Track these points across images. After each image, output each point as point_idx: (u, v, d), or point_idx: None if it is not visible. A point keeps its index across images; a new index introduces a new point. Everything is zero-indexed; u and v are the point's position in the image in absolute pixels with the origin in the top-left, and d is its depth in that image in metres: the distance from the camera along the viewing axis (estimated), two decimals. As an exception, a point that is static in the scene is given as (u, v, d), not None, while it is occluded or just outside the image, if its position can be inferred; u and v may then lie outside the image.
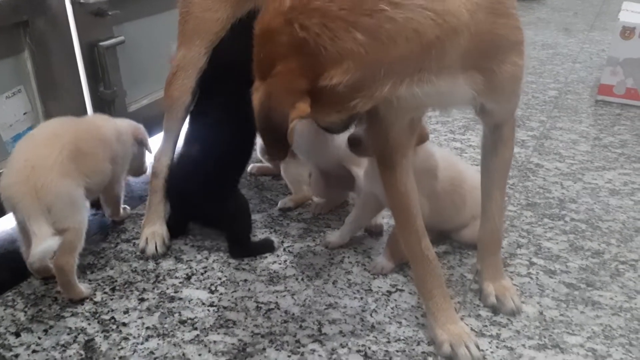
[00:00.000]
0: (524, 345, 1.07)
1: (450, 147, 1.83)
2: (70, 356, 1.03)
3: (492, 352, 1.05)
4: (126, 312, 1.15)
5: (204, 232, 1.40)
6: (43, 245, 1.05)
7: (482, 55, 0.83)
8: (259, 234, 1.40)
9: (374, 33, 0.71)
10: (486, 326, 1.12)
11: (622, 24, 2.06)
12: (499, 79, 0.87)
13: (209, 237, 1.39)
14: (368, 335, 1.09)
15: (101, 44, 1.46)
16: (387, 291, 1.21)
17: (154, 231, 1.33)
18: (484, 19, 0.78)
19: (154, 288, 1.21)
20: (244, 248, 1.33)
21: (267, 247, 1.35)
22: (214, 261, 1.30)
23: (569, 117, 2.05)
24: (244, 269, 1.28)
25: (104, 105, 1.52)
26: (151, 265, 1.29)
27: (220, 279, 1.25)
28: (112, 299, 1.18)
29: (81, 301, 1.17)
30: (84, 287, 1.18)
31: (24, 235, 1.16)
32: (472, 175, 1.32)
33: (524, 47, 0.89)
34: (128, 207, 1.48)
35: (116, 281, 1.24)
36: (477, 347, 1.04)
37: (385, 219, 1.41)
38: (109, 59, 1.51)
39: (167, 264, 1.29)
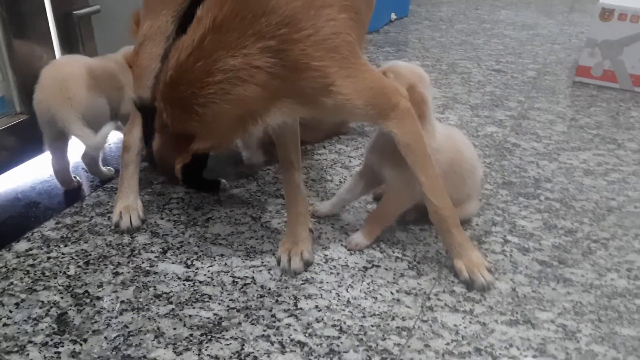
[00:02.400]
0: (496, 321, 1.08)
1: (429, 125, 1.83)
2: (42, 329, 1.02)
3: (465, 328, 1.07)
4: (100, 286, 1.13)
5: (181, 207, 1.39)
6: (101, 132, 1.27)
7: (294, 98, 1.01)
8: (236, 210, 1.39)
9: (201, 121, 0.97)
10: (460, 301, 1.13)
11: (601, 5, 2.07)
12: (321, 110, 1.04)
13: (185, 211, 1.38)
14: (343, 310, 1.10)
15: (75, 12, 1.43)
16: (364, 267, 1.22)
17: (127, 205, 1.31)
18: (281, 80, 0.96)
19: (128, 262, 1.20)
20: (193, 179, 1.41)
21: (213, 185, 1.44)
22: (190, 236, 1.29)
23: (546, 98, 2.07)
24: (220, 244, 1.27)
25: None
26: (126, 239, 1.28)
27: (196, 253, 1.24)
28: (85, 273, 1.17)
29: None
30: (106, 170, 1.48)
31: (56, 153, 1.39)
32: (471, 155, 1.32)
33: (336, 86, 1.00)
34: (112, 169, 1.50)
35: (90, 255, 1.22)
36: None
37: (369, 204, 1.42)
38: (83, 29, 1.47)
39: (142, 238, 1.28)
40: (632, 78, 2.12)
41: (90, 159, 1.46)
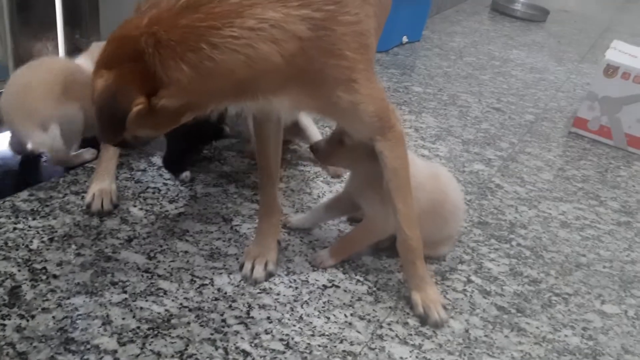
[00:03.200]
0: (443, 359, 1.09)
1: (418, 153, 1.84)
2: (-7, 299, 1.03)
3: (410, 361, 1.07)
4: (59, 264, 1.14)
5: (156, 198, 1.40)
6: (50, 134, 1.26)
7: (309, 86, 0.94)
8: (210, 209, 1.40)
9: (195, 68, 0.82)
10: (411, 335, 1.14)
11: (606, 62, 2.08)
12: (330, 106, 0.99)
13: (159, 202, 1.38)
14: (294, 325, 1.11)
15: (83, -9, 1.44)
16: (323, 285, 1.23)
17: (101, 188, 1.32)
18: (307, 59, 0.89)
19: (92, 245, 1.21)
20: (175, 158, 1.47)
21: (178, 169, 1.47)
22: (158, 228, 1.30)
23: (539, 144, 2.08)
24: (187, 240, 1.28)
25: (77, 53, 1.50)
26: (95, 221, 1.28)
27: (161, 246, 1.25)
28: (48, 249, 1.17)
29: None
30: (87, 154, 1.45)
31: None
32: (456, 197, 1.33)
33: (358, 83, 0.97)
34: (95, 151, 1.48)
35: (56, 232, 1.23)
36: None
37: (342, 224, 1.42)
38: (89, 5, 1.48)
39: (111, 223, 1.28)
40: (627, 137, 2.13)
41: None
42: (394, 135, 1.08)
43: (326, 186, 1.58)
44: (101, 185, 1.32)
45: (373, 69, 1.02)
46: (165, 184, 1.46)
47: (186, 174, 1.47)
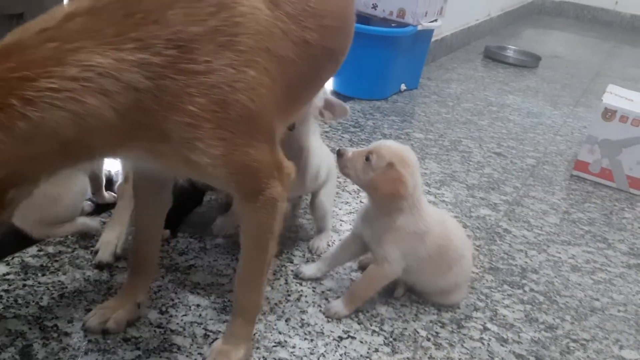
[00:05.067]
0: (465, 412, 1.06)
1: (424, 199, 1.84)
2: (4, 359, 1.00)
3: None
4: (70, 321, 1.12)
5: (166, 250, 1.38)
6: None
7: (152, 143, 0.81)
8: (220, 260, 1.38)
9: (6, 130, 0.66)
10: (431, 387, 1.11)
11: (604, 106, 2.12)
12: (180, 165, 0.85)
13: (169, 255, 1.37)
14: (312, 379, 1.08)
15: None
16: (339, 337, 1.20)
17: (107, 240, 1.31)
18: (146, 114, 0.76)
19: (103, 300, 1.18)
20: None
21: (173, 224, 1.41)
22: (169, 281, 1.28)
23: (542, 188, 2.09)
24: (198, 294, 1.26)
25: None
26: (105, 276, 1.27)
27: (172, 300, 1.23)
28: (58, 306, 1.15)
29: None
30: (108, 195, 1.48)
31: None
32: (461, 245, 1.33)
33: (204, 143, 0.81)
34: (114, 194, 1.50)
35: (66, 288, 1.21)
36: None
37: (354, 272, 1.41)
38: None
39: (122, 277, 1.26)
40: (628, 179, 2.15)
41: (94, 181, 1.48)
42: (263, 201, 0.93)
43: (335, 234, 1.57)
44: (108, 237, 1.32)
45: (247, 130, 0.84)
46: (174, 237, 1.44)
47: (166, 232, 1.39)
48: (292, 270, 1.39)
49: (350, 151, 1.26)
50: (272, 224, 0.97)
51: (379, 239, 1.24)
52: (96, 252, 1.30)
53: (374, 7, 2.65)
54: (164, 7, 0.73)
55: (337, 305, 1.27)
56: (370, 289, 1.29)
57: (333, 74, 1.12)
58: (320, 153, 1.41)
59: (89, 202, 1.48)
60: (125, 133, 0.76)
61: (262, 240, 0.99)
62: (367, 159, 1.22)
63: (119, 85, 0.71)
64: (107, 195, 1.52)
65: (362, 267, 1.42)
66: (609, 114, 2.11)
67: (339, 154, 1.26)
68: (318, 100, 1.27)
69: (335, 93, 2.71)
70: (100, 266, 1.28)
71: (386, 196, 1.21)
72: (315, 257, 1.46)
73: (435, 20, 2.78)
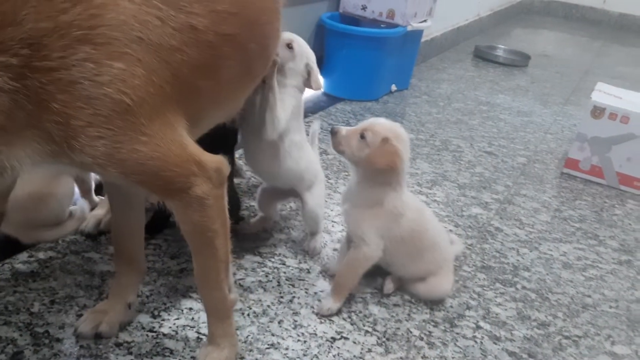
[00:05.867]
0: (459, 410, 1.06)
1: (416, 199, 1.85)
2: (-6, 367, 0.99)
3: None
4: (62, 327, 1.11)
5: (157, 254, 1.38)
6: None
7: (37, 142, 0.79)
8: (212, 263, 1.38)
9: None
10: (424, 386, 1.11)
11: (593, 103, 2.13)
12: (77, 164, 0.83)
13: (161, 259, 1.36)
14: (305, 381, 1.08)
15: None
16: (332, 337, 1.20)
17: (96, 214, 1.43)
18: (25, 115, 0.76)
19: (94, 305, 1.18)
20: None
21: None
22: (161, 285, 1.28)
23: (533, 186, 2.10)
24: (190, 297, 1.26)
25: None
26: (96, 281, 1.26)
27: (165, 303, 1.22)
28: (49, 312, 1.15)
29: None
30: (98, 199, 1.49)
31: None
32: (436, 233, 1.36)
33: (81, 140, 0.79)
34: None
35: (57, 293, 1.20)
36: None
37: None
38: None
39: (113, 282, 1.26)
40: (618, 176, 2.16)
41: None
42: (189, 200, 0.91)
43: (327, 235, 1.57)
44: (97, 211, 1.43)
45: (132, 123, 0.80)
46: (166, 240, 1.44)
47: None
48: (284, 272, 1.39)
49: (343, 129, 1.27)
50: (207, 222, 0.94)
51: (356, 217, 1.27)
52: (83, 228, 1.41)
53: (364, 8, 2.66)
54: (17, 8, 0.72)
55: (326, 301, 1.27)
56: (353, 274, 1.29)
57: (254, 65, 1.07)
58: (304, 154, 1.41)
59: (81, 206, 1.47)
60: (16, 133, 0.76)
61: (203, 239, 0.97)
62: (362, 136, 1.23)
63: None
64: (97, 199, 1.51)
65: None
66: (598, 111, 2.13)
67: (333, 133, 1.27)
68: (303, 70, 1.36)
69: (325, 94, 2.71)
70: (86, 235, 1.40)
71: (383, 169, 1.23)
72: (307, 258, 1.46)
73: (425, 21, 2.79)
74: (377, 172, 1.23)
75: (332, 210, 1.70)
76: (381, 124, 1.25)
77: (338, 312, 1.27)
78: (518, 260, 1.61)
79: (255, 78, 1.12)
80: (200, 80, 0.91)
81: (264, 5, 1.02)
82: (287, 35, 1.33)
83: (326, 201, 1.74)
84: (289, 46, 1.33)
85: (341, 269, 1.31)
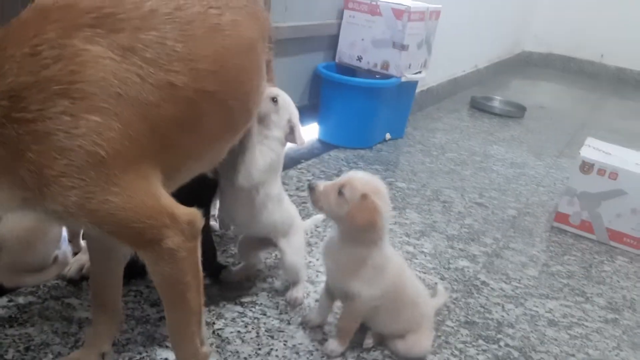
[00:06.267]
0: None
1: (403, 250, 1.85)
2: (-40, 416, 0.98)
3: None
4: (33, 375, 1.10)
5: (137, 301, 1.38)
6: None
7: (18, 189, 0.83)
8: (192, 312, 1.37)
9: None
10: None
11: (582, 159, 2.15)
12: (47, 212, 0.85)
13: (140, 306, 1.36)
14: None
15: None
16: (307, 393, 1.19)
17: (79, 259, 1.43)
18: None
19: (69, 353, 1.17)
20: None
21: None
22: (138, 333, 1.27)
23: (522, 239, 2.10)
24: (167, 347, 1.24)
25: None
26: (74, 328, 1.25)
27: (140, 353, 1.21)
28: (23, 359, 1.14)
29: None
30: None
31: None
32: (415, 291, 1.36)
33: (54, 191, 0.82)
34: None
35: (33, 340, 1.20)
36: None
37: (327, 326, 1.40)
38: None
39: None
40: (608, 232, 2.16)
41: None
42: (161, 252, 0.91)
43: (311, 286, 1.57)
44: (80, 257, 1.42)
45: (105, 175, 0.82)
46: (147, 287, 1.44)
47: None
48: (264, 323, 1.38)
49: (321, 184, 1.26)
50: (178, 275, 0.95)
51: (342, 274, 1.27)
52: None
53: (359, 59, 2.72)
54: (3, 62, 0.77)
55: (332, 343, 1.31)
56: (354, 322, 1.32)
57: (235, 120, 1.09)
58: (279, 208, 1.42)
59: (64, 251, 1.48)
60: None
61: (174, 291, 0.97)
62: (340, 192, 1.23)
63: None
64: (84, 243, 1.52)
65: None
66: (586, 167, 2.14)
67: (310, 188, 1.27)
68: (285, 124, 1.38)
69: (320, 141, 2.74)
70: (67, 280, 1.40)
71: (363, 227, 1.22)
72: (288, 309, 1.45)
73: (419, 72, 2.85)
74: (358, 229, 1.24)
75: (317, 260, 1.70)
76: (359, 179, 1.25)
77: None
78: (503, 316, 1.60)
79: (236, 132, 1.15)
80: (178, 134, 0.93)
81: (244, 65, 1.05)
82: (273, 90, 1.36)
83: (312, 249, 1.74)
84: (274, 100, 1.36)
85: (342, 317, 1.34)
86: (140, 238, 0.89)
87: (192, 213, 0.94)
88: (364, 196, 1.21)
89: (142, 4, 0.87)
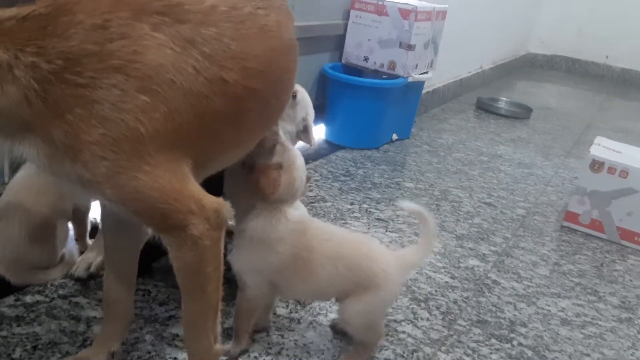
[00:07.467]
0: None
1: (412, 250, 1.83)
2: (-32, 415, 0.97)
3: None
4: (42, 374, 1.09)
5: (146, 300, 1.36)
6: None
7: (48, 143, 0.83)
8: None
9: None
10: None
11: (592, 157, 2.13)
12: (70, 176, 0.85)
13: (149, 305, 1.34)
14: None
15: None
16: (319, 392, 1.17)
17: (86, 258, 1.42)
18: (35, 112, 0.81)
19: (77, 352, 1.16)
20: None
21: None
22: (147, 332, 1.25)
23: (532, 238, 2.07)
24: (176, 345, 1.23)
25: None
26: (82, 327, 1.24)
27: (149, 352, 1.20)
28: (30, 358, 1.12)
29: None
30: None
31: None
32: (328, 253, 1.19)
33: (85, 156, 0.82)
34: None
35: (40, 339, 1.18)
36: None
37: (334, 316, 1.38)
38: None
39: (98, 328, 1.24)
40: (619, 231, 2.14)
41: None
42: (184, 238, 0.90)
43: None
44: (87, 255, 1.42)
45: (136, 153, 0.83)
46: (155, 286, 1.42)
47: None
48: (274, 322, 1.37)
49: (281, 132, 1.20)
50: (200, 264, 0.93)
51: (238, 260, 1.17)
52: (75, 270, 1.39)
53: (366, 59, 2.71)
54: (70, 25, 0.79)
55: (228, 347, 1.22)
56: (244, 318, 1.22)
57: (271, 116, 1.11)
58: None
59: (70, 250, 1.46)
60: (22, 123, 0.81)
61: (194, 281, 0.96)
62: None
63: (9, 77, 0.78)
64: (90, 242, 1.50)
65: (332, 327, 1.39)
66: (596, 165, 2.12)
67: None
68: (300, 121, 1.36)
69: (326, 142, 2.73)
70: (75, 279, 1.39)
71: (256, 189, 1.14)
72: (300, 309, 1.43)
73: (426, 72, 2.83)
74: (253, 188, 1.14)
75: (326, 259, 1.68)
76: (292, 151, 1.20)
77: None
78: (515, 315, 1.57)
79: (269, 127, 1.16)
80: (220, 127, 0.95)
81: (287, 65, 1.08)
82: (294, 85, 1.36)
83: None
84: (293, 95, 1.35)
85: (235, 314, 1.24)
86: (165, 221, 0.88)
87: (219, 202, 0.94)
88: (278, 165, 1.15)
89: None
